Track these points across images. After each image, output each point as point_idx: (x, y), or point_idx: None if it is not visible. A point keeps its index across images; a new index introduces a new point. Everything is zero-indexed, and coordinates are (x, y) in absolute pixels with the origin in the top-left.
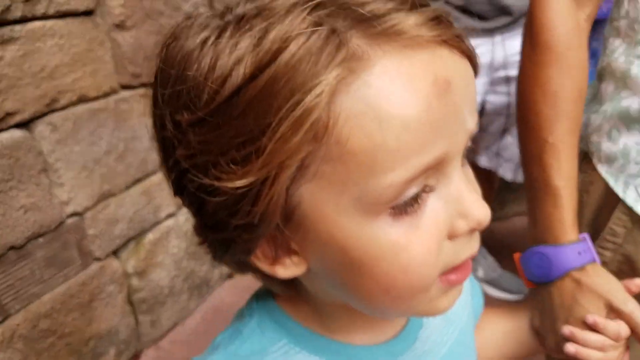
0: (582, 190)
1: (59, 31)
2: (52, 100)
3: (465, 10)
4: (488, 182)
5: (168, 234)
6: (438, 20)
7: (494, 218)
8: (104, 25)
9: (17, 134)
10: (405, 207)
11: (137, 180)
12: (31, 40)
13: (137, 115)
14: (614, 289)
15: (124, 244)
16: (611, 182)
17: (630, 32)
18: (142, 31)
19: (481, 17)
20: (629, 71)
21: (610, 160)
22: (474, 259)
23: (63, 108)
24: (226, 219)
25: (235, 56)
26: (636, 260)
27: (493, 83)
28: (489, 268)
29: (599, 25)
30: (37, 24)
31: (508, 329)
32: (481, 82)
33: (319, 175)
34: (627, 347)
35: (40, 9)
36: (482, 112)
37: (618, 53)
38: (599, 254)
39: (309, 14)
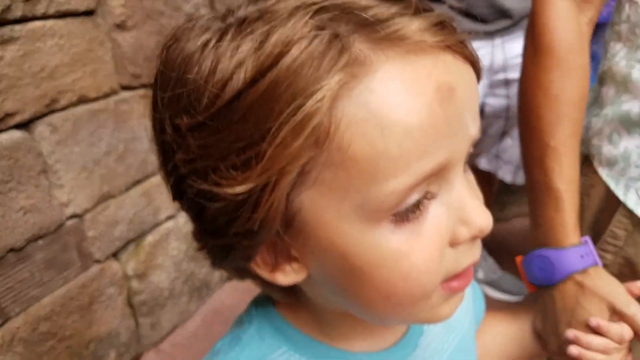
0: (583, 194)
1: (59, 31)
2: (52, 100)
3: (465, 13)
4: (488, 184)
5: (168, 236)
6: (442, 25)
7: (494, 220)
8: (105, 26)
9: (16, 134)
10: (407, 213)
11: (137, 182)
12: (31, 40)
13: (137, 116)
14: (617, 291)
15: (124, 246)
16: (612, 186)
17: (631, 37)
18: (142, 31)
19: (481, 20)
20: (630, 75)
21: (611, 163)
22: None
23: (63, 109)
24: (225, 225)
25: (236, 60)
26: (637, 262)
27: (492, 86)
28: (489, 270)
29: (599, 29)
30: (37, 23)
31: (510, 333)
32: (480, 84)
33: (319, 182)
34: (630, 349)
35: (40, 9)
36: (481, 114)
37: (619, 57)
38: (600, 256)
39: (311, 17)
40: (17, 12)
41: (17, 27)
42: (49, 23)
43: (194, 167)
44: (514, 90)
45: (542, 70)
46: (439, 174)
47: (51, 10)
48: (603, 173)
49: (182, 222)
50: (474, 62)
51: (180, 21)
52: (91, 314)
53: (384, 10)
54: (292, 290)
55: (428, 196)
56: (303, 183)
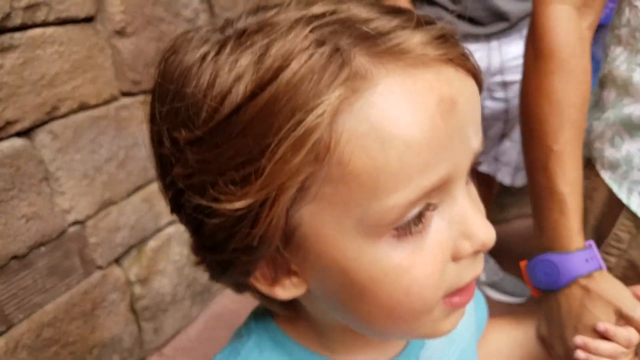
0: (586, 197)
1: (59, 38)
2: (53, 108)
3: (461, 16)
4: (487, 186)
5: (170, 241)
6: (444, 38)
7: (495, 221)
8: (104, 32)
9: (17, 142)
10: (409, 226)
11: (138, 188)
12: (31, 48)
13: (137, 122)
14: (623, 295)
15: (126, 252)
16: (615, 188)
17: (631, 40)
18: (142, 38)
19: (478, 22)
20: (631, 79)
21: (613, 166)
22: None
23: (63, 116)
24: (224, 240)
25: (235, 73)
26: None
27: (490, 88)
28: (491, 271)
29: (597, 30)
30: (37, 31)
31: (514, 338)
32: None
33: (319, 197)
34: (636, 353)
35: (40, 16)
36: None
37: (619, 61)
38: (604, 259)
39: (311, 31)
40: (16, 20)
41: (17, 35)
42: (49, 30)
43: (192, 181)
44: (511, 92)
45: (544, 75)
46: (440, 187)
47: (51, 18)
48: (606, 176)
49: (184, 228)
50: (476, 75)
51: (180, 27)
52: (94, 320)
53: (385, 24)
54: (292, 304)
55: (430, 208)
56: (303, 198)
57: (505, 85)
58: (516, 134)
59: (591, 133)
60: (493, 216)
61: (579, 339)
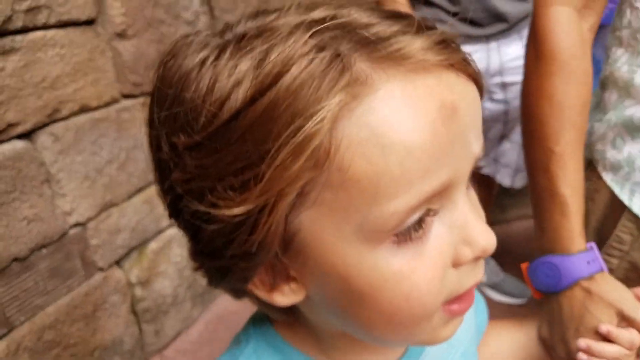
0: (588, 198)
1: (60, 41)
2: (54, 110)
3: (460, 17)
4: (487, 187)
5: (170, 243)
6: (445, 44)
7: (495, 222)
8: (105, 35)
9: (19, 145)
10: (409, 232)
11: (139, 190)
12: (32, 51)
13: (138, 124)
14: (624, 297)
15: (127, 254)
16: (617, 190)
17: (632, 42)
18: (143, 40)
19: (476, 23)
20: (632, 80)
21: (615, 168)
22: None
23: (65, 118)
24: (222, 247)
25: (234, 78)
26: None
27: (489, 90)
28: (492, 272)
29: (597, 31)
30: (38, 34)
31: (514, 341)
32: None
33: (319, 202)
34: (638, 355)
35: (41, 19)
36: None
37: (621, 62)
38: (606, 261)
39: (311, 36)
40: (17, 23)
41: (18, 38)
42: (50, 33)
43: (190, 187)
44: (511, 94)
45: (545, 77)
46: (441, 193)
47: (52, 20)
48: (607, 178)
49: None
50: (477, 80)
51: (180, 29)
52: (95, 322)
53: (385, 29)
54: (290, 310)
55: (430, 213)
56: (302, 204)
57: (504, 86)
58: (516, 135)
59: (592, 135)
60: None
61: (583, 342)
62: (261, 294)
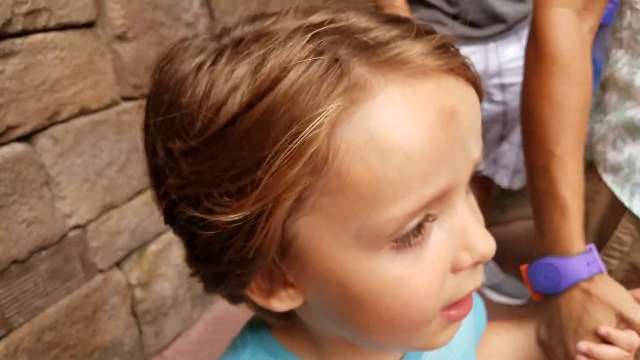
0: (588, 200)
1: (59, 44)
2: (54, 113)
3: (458, 18)
4: (486, 188)
5: (170, 245)
6: (444, 48)
7: (495, 223)
8: (105, 37)
9: (18, 147)
10: (408, 238)
11: (139, 192)
12: (32, 54)
13: (138, 126)
14: (624, 299)
15: (127, 256)
16: (617, 192)
17: (632, 43)
18: (143, 42)
19: (475, 25)
20: (633, 81)
21: (615, 169)
22: None
23: (64, 121)
24: (219, 253)
25: (231, 83)
26: None
27: (488, 92)
28: (491, 273)
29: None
30: (38, 36)
31: (513, 342)
32: None
33: (317, 208)
34: (636, 357)
35: (41, 22)
36: None
37: (621, 64)
38: (606, 262)
39: (309, 40)
40: (17, 26)
41: (18, 41)
42: (50, 36)
43: (186, 192)
44: (509, 95)
45: (545, 78)
46: (441, 198)
47: (52, 23)
48: (608, 179)
49: None
50: (476, 84)
51: (180, 31)
52: (95, 323)
53: (384, 33)
54: (288, 315)
55: (429, 219)
56: (300, 209)
57: (503, 87)
58: (515, 136)
59: (593, 136)
60: (493, 218)
61: (583, 345)
62: (258, 299)
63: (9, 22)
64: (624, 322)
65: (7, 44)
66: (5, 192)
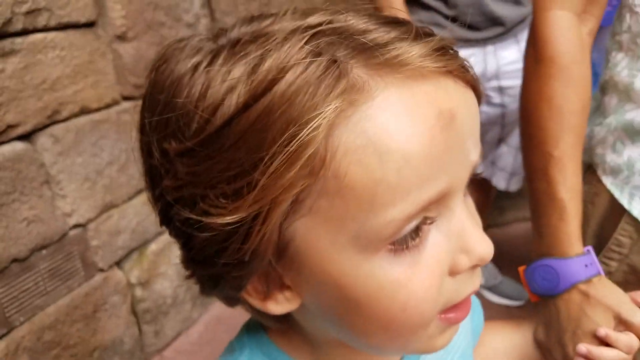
0: (587, 202)
1: (60, 43)
2: (54, 112)
3: (456, 20)
4: (485, 190)
5: (170, 245)
6: (443, 50)
7: (493, 224)
8: (106, 37)
9: (18, 146)
10: (406, 241)
11: (139, 191)
12: (32, 53)
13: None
14: (622, 300)
15: (127, 255)
16: (616, 194)
17: (632, 46)
18: (143, 42)
19: (473, 27)
20: (632, 84)
21: (615, 172)
22: None
23: (65, 120)
24: (215, 255)
25: (228, 84)
26: None
27: (486, 94)
28: (490, 275)
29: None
30: (38, 36)
31: (510, 344)
32: None
33: (314, 210)
34: (635, 359)
35: (41, 21)
36: None
37: (621, 67)
38: (605, 264)
39: (307, 42)
40: (18, 25)
41: (18, 40)
42: (50, 35)
43: (181, 194)
44: (508, 97)
45: (544, 80)
46: (439, 201)
47: (52, 23)
48: (607, 182)
49: None
50: (475, 86)
51: (181, 32)
52: (95, 323)
53: (383, 35)
54: (285, 318)
55: (427, 221)
56: (297, 212)
57: (501, 90)
58: (513, 139)
59: (592, 139)
60: (491, 219)
61: (583, 347)
62: (255, 302)
63: (9, 21)
64: (622, 324)
65: (7, 43)
66: (6, 191)
